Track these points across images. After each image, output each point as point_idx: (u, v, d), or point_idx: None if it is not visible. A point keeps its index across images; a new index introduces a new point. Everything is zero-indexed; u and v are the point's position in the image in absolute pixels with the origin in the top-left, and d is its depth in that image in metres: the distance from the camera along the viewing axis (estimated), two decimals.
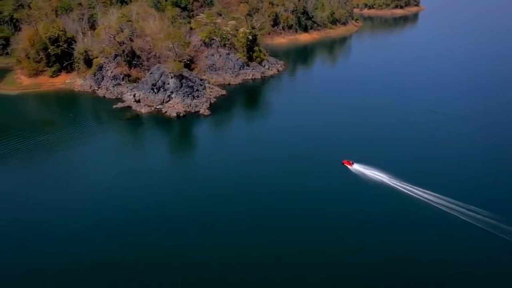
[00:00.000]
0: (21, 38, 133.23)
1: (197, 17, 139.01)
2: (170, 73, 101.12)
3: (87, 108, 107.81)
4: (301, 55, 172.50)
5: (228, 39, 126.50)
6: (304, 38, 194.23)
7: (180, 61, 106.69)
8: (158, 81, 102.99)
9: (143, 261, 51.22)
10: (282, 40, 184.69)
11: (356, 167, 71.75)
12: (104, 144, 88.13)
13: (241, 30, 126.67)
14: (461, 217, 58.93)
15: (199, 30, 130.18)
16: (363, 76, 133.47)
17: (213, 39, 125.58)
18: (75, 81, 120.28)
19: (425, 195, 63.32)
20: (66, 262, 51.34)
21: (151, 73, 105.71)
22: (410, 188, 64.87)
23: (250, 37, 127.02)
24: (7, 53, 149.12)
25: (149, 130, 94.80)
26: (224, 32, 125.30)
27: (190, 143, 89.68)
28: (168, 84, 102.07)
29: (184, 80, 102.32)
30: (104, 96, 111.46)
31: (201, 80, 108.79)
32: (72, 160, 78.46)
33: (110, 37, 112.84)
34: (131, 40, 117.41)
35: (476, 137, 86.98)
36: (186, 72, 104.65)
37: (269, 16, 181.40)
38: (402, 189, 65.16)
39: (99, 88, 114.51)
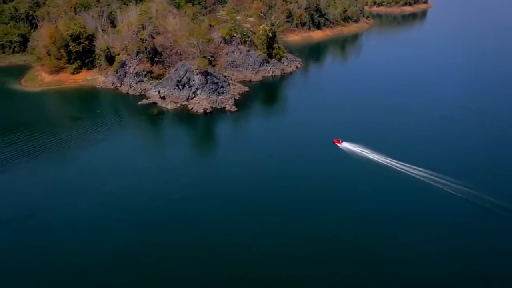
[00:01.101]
0: (40, 35, 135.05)
1: (217, 14, 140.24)
2: (195, 69, 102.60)
3: (112, 105, 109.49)
4: (316, 52, 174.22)
5: (248, 36, 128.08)
6: (317, 35, 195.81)
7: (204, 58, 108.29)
8: (183, 77, 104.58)
9: (167, 258, 52.30)
10: (296, 37, 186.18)
11: (345, 145, 79.41)
12: (133, 140, 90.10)
13: (261, 27, 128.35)
14: (442, 187, 66.17)
15: (219, 27, 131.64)
16: (378, 73, 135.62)
17: (234, 36, 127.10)
18: (97, 78, 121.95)
19: (405, 168, 71.19)
20: (89, 258, 52.45)
21: (176, 69, 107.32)
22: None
23: (270, 34, 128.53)
24: (24, 50, 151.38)
25: (177, 126, 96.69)
26: (245, 29, 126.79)
27: (220, 140, 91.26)
28: (194, 80, 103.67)
29: (209, 77, 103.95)
30: (128, 93, 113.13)
31: (225, 76, 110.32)
32: (101, 156, 79.89)
33: (133, 34, 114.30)
34: (153, 37, 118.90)
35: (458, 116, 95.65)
36: (210, 69, 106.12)
37: (282, 13, 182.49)
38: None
39: (121, 84, 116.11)
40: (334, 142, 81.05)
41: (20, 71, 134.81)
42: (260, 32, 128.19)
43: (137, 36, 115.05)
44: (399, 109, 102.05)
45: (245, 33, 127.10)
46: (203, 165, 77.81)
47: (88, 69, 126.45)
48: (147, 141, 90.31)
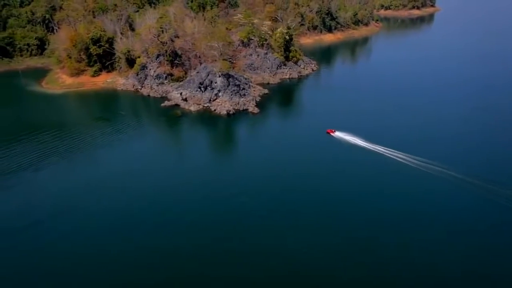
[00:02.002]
0: (59, 39, 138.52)
1: (234, 17, 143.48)
2: (218, 72, 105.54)
3: (135, 106, 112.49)
4: (329, 55, 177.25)
5: (266, 39, 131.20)
6: (328, 38, 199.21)
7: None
8: (205, 80, 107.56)
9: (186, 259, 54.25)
10: (308, 40, 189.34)
11: (338, 134, 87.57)
12: (160, 141, 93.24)
13: (279, 30, 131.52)
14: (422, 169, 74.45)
15: (236, 30, 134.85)
16: (391, 75, 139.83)
17: (251, 39, 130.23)
18: (117, 80, 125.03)
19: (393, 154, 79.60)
20: (111, 258, 54.53)
21: (198, 72, 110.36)
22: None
23: (287, 37, 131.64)
24: (41, 54, 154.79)
25: (202, 127, 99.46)
26: (262, 32, 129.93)
27: (246, 140, 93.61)
28: (216, 82, 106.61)
29: (231, 79, 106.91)
30: (149, 95, 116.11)
31: (246, 79, 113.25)
32: (128, 156, 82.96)
33: (154, 37, 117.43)
34: (172, 41, 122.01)
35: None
36: (231, 71, 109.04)
37: (295, 17, 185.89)
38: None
39: (142, 87, 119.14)
40: (327, 132, 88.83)
41: (38, 73, 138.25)
42: (277, 35, 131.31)
43: (158, 39, 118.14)
44: (417, 110, 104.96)
45: (262, 36, 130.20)
46: (228, 165, 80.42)
47: (108, 71, 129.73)
48: (173, 141, 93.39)
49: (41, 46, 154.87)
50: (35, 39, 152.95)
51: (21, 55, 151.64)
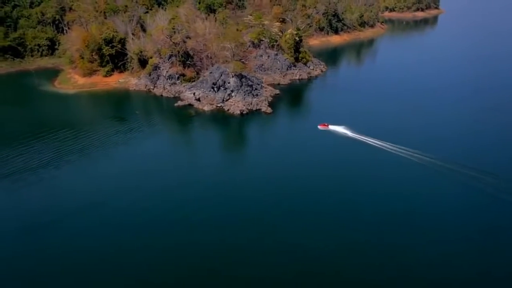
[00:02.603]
0: (70, 39, 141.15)
1: (244, 18, 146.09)
2: (231, 72, 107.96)
3: (149, 106, 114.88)
4: (336, 57, 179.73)
5: (276, 41, 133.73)
6: (335, 40, 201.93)
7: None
8: (218, 80, 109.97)
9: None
10: (315, 41, 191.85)
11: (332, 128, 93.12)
12: (175, 139, 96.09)
13: (289, 31, 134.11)
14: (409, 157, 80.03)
15: (247, 31, 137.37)
16: (398, 77, 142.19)
17: (262, 40, 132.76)
18: (129, 81, 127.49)
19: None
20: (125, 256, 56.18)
21: (211, 72, 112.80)
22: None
23: (297, 39, 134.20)
24: (52, 54, 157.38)
25: (217, 127, 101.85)
26: (273, 33, 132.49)
27: (260, 140, 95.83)
28: (229, 83, 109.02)
29: (243, 79, 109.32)
30: (161, 95, 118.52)
31: (258, 79, 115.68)
32: (144, 154, 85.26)
33: (167, 37, 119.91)
34: (184, 41, 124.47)
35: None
36: (244, 72, 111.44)
37: (303, 19, 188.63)
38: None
39: (155, 87, 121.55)
40: (320, 127, 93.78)
41: (49, 73, 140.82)
42: (287, 36, 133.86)
43: (171, 40, 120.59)
44: (430, 110, 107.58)
45: (273, 38, 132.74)
46: (244, 164, 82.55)
47: (120, 72, 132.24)
48: (189, 140, 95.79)
49: (52, 47, 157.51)
50: (46, 39, 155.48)
51: (32, 56, 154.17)
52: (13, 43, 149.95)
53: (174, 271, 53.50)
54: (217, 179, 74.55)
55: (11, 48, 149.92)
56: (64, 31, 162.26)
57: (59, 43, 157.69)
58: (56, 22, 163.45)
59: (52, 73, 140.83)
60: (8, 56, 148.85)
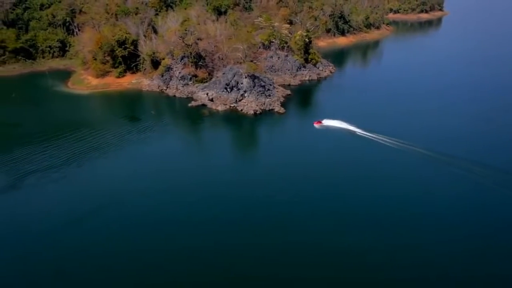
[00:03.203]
0: (83, 41, 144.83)
1: (255, 20, 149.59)
2: (244, 73, 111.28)
3: (162, 106, 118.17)
4: (344, 58, 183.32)
5: (286, 42, 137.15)
6: (341, 41, 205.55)
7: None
8: (231, 81, 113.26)
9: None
10: (322, 43, 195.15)
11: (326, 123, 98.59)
12: (190, 138, 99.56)
13: (299, 33, 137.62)
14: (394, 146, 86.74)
15: (257, 33, 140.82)
16: (406, 77, 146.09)
17: (272, 41, 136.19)
18: (142, 82, 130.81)
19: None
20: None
21: (224, 73, 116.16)
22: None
23: (307, 40, 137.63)
24: (63, 56, 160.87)
25: (231, 126, 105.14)
26: (283, 35, 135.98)
27: (275, 139, 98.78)
28: (242, 83, 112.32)
29: (256, 80, 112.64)
30: (174, 95, 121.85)
31: (270, 80, 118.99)
32: (160, 153, 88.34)
33: (180, 38, 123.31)
34: (196, 43, 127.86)
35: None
36: (257, 73, 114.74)
37: (309, 20, 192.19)
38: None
39: (167, 87, 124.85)
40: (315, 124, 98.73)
41: (61, 75, 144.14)
42: (297, 37, 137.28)
43: (183, 41, 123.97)
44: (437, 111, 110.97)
45: (283, 39, 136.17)
46: (261, 164, 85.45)
47: (132, 73, 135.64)
48: (205, 139, 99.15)
49: (62, 48, 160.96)
50: (57, 41, 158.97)
51: (43, 57, 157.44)
52: (25, 45, 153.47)
53: (197, 270, 55.24)
54: (234, 179, 77.12)
55: (23, 50, 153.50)
56: (75, 33, 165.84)
57: (69, 44, 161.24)
58: (67, 24, 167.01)
59: (64, 74, 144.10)
60: (20, 57, 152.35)
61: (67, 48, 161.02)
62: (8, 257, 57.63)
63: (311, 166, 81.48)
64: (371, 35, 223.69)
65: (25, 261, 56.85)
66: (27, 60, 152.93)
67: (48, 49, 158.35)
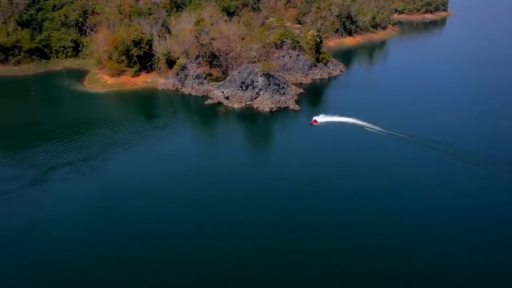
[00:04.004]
0: (97, 41, 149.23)
1: (266, 20, 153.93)
2: (260, 71, 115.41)
3: (179, 104, 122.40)
4: (352, 57, 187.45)
5: (298, 42, 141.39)
6: (349, 41, 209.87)
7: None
8: (246, 79, 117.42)
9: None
10: (329, 43, 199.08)
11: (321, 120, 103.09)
12: (209, 135, 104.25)
13: (310, 33, 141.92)
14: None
15: (269, 33, 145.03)
16: (414, 76, 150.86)
17: (284, 41, 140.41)
18: (157, 80, 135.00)
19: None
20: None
21: (239, 72, 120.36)
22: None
23: (318, 40, 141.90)
24: (76, 55, 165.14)
25: (249, 123, 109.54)
26: (295, 35, 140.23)
27: (292, 136, 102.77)
28: (257, 82, 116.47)
29: (271, 79, 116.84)
30: (190, 94, 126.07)
31: (284, 78, 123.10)
32: (179, 148, 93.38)
33: (195, 38, 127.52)
34: (211, 43, 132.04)
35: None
36: (271, 71, 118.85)
37: (316, 20, 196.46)
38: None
39: (183, 86, 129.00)
40: (311, 123, 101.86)
41: (76, 74, 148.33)
42: (308, 37, 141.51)
43: (198, 41, 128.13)
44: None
45: (295, 39, 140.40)
46: (282, 161, 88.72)
47: (147, 72, 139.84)
48: (224, 136, 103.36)
49: (76, 48, 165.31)
50: (70, 41, 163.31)
51: (57, 57, 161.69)
52: (39, 45, 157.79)
53: (221, 272, 56.69)
54: (252, 177, 79.85)
55: (38, 50, 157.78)
56: (87, 33, 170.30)
57: (82, 45, 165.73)
58: (79, 25, 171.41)
59: (78, 74, 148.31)
60: (35, 57, 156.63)
61: (80, 48, 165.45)
62: (40, 243, 61.66)
63: (330, 165, 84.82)
64: (378, 35, 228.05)
65: (55, 247, 60.98)
66: (41, 60, 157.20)
67: (62, 49, 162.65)
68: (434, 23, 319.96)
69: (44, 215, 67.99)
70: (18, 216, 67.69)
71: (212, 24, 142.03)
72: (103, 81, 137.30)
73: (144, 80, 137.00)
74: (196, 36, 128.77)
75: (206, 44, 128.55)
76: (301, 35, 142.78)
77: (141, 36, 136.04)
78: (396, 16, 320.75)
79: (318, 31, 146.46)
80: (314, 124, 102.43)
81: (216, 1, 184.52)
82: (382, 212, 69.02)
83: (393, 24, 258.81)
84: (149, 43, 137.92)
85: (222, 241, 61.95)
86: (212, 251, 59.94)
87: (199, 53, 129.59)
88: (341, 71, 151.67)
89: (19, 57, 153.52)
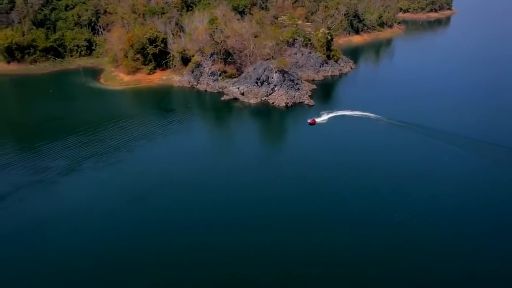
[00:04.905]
0: (112, 40, 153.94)
1: (278, 19, 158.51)
2: (275, 68, 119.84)
3: (196, 100, 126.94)
4: (360, 55, 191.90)
5: (309, 39, 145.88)
6: (356, 40, 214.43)
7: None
8: (262, 75, 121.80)
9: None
10: (338, 41, 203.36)
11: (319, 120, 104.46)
12: (227, 128, 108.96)
13: (321, 31, 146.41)
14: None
15: (281, 31, 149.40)
16: (423, 72, 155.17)
17: (296, 39, 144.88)
18: (172, 78, 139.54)
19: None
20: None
21: (255, 68, 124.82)
22: None
23: (329, 37, 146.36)
24: (89, 54, 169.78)
25: (266, 118, 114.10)
26: (307, 33, 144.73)
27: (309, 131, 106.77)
28: (272, 78, 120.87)
29: (286, 75, 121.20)
30: (205, 90, 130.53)
31: (297, 75, 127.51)
32: (200, 141, 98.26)
33: (210, 36, 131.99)
34: (225, 41, 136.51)
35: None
36: (286, 68, 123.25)
37: (325, 19, 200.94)
38: None
39: (198, 83, 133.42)
40: (310, 123, 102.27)
41: (91, 72, 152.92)
42: (320, 35, 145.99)
43: (213, 39, 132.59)
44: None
45: (307, 36, 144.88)
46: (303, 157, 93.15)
47: (162, 69, 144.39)
48: (241, 129, 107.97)
49: (89, 47, 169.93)
50: (84, 40, 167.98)
51: (71, 56, 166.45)
52: (54, 44, 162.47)
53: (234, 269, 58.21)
54: (274, 175, 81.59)
55: (52, 49, 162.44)
56: (100, 32, 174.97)
57: (95, 44, 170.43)
58: (92, 24, 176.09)
59: (93, 72, 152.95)
60: (50, 56, 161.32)
61: (93, 47, 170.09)
62: (77, 228, 66.00)
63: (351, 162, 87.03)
64: (384, 33, 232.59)
65: (90, 231, 65.24)
66: (56, 58, 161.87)
67: (76, 48, 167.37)
68: (438, 22, 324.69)
69: (80, 201, 72.69)
70: (58, 200, 72.80)
71: (225, 22, 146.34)
72: (119, 78, 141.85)
73: (160, 78, 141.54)
74: (210, 34, 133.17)
75: (221, 42, 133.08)
76: (312, 33, 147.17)
77: (156, 35, 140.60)
78: (401, 15, 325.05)
79: (329, 28, 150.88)
80: (312, 123, 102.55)
81: (226, 0, 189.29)
82: (410, 210, 69.94)
83: (399, 23, 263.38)
84: (164, 41, 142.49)
85: (234, 239, 63.26)
86: (228, 250, 61.21)
87: (214, 50, 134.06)
88: (351, 68, 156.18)
89: (34, 56, 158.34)
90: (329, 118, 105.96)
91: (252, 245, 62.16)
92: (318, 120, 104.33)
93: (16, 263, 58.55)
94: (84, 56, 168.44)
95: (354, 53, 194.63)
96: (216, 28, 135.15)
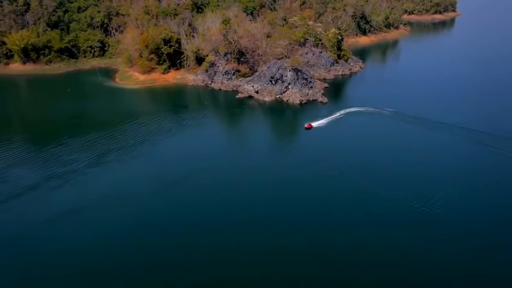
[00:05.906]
0: (126, 40, 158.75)
1: (290, 19, 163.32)
2: (289, 66, 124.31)
3: (211, 98, 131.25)
4: (368, 55, 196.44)
5: (320, 39, 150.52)
6: (363, 40, 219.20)
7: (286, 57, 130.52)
8: (275, 74, 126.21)
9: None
10: (347, 42, 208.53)
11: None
12: (243, 124, 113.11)
13: (332, 31, 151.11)
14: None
15: (292, 31, 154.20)
16: (429, 71, 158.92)
17: (307, 39, 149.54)
18: (186, 77, 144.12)
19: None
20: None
21: (269, 67, 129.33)
22: None
23: (339, 37, 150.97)
24: (103, 55, 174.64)
25: (282, 114, 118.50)
26: (318, 33, 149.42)
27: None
28: (286, 76, 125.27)
29: (299, 73, 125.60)
30: (220, 89, 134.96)
31: (310, 73, 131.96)
32: (217, 137, 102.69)
33: (224, 36, 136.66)
34: (238, 41, 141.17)
35: None
36: (299, 66, 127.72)
37: (332, 20, 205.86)
38: None
39: (212, 82, 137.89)
40: (306, 127, 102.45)
41: (105, 72, 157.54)
42: (330, 35, 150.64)
43: (227, 39, 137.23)
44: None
45: (318, 36, 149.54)
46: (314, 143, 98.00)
47: (176, 69, 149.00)
48: (258, 126, 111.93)
49: (102, 48, 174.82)
50: (97, 41, 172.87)
51: (85, 56, 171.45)
52: (68, 45, 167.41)
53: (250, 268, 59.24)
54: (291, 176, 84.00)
55: (67, 50, 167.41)
56: (112, 34, 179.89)
57: (108, 45, 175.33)
58: (104, 26, 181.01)
59: (107, 72, 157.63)
60: (64, 56, 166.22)
61: (106, 48, 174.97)
62: (102, 214, 70.13)
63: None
64: (391, 34, 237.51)
65: (114, 219, 69.11)
66: (70, 59, 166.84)
67: (89, 49, 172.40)
68: (443, 24, 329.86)
69: (107, 192, 76.73)
70: (89, 190, 76.99)
71: (238, 23, 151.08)
72: (134, 78, 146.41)
73: (174, 77, 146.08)
74: (224, 35, 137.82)
75: (234, 42, 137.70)
76: (323, 33, 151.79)
77: (171, 35, 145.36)
78: (405, 17, 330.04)
79: (339, 29, 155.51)
80: (308, 128, 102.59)
81: (234, 2, 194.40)
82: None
83: (405, 24, 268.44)
84: (178, 41, 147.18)
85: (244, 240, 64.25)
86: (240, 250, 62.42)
87: (228, 50, 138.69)
88: (361, 68, 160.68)
89: (49, 56, 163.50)
90: (330, 119, 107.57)
91: (272, 247, 62.47)
92: (314, 124, 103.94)
93: (58, 243, 62.86)
94: (97, 56, 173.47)
95: (362, 54, 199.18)
96: (230, 28, 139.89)
